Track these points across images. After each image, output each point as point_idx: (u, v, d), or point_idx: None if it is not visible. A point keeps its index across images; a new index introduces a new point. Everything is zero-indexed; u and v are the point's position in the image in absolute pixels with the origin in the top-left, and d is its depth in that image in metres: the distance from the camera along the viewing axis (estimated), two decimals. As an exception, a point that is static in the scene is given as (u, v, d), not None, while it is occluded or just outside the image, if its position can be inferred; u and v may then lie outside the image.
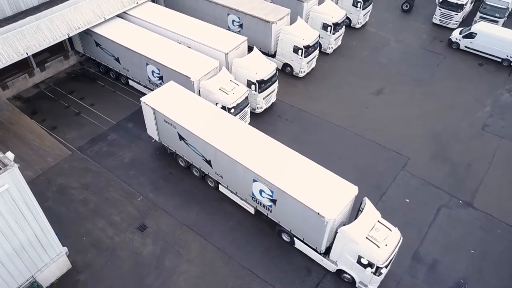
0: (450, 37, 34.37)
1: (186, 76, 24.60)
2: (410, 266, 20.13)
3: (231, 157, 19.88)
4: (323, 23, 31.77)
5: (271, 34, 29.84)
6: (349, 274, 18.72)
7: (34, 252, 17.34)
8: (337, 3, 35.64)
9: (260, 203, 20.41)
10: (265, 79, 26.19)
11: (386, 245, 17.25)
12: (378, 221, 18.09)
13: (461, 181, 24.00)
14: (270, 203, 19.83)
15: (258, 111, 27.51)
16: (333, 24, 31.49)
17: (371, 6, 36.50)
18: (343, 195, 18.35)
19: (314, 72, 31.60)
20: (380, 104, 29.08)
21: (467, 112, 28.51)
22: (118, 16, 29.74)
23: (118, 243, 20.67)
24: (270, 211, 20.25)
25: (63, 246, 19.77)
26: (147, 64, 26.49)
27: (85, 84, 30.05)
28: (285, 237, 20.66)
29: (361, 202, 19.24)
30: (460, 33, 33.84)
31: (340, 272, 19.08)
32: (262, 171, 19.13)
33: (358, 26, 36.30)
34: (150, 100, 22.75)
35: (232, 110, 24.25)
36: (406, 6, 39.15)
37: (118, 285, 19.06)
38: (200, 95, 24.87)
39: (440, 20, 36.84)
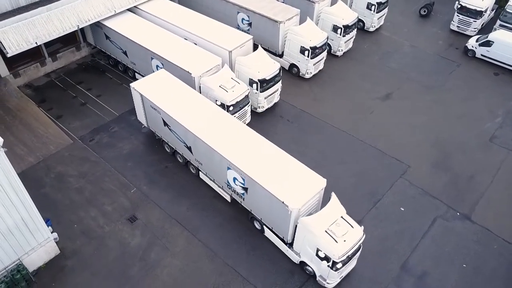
0: (466, 45, 33.32)
1: (188, 71, 24.77)
2: (397, 276, 19.63)
3: (208, 144, 20.48)
4: (333, 25, 31.38)
5: (279, 34, 29.68)
6: (310, 267, 18.82)
7: (21, 236, 17.85)
8: (351, 6, 35.20)
9: (234, 191, 20.86)
10: (267, 78, 26.08)
11: (344, 240, 17.31)
12: (342, 217, 18.10)
13: (461, 193, 23.25)
14: (243, 191, 20.25)
15: (259, 110, 27.43)
16: (343, 26, 31.06)
17: (386, 9, 35.79)
18: (310, 186, 18.59)
19: (321, 74, 31.25)
20: (385, 110, 28.50)
21: (476, 122, 27.58)
22: (129, 10, 30.26)
23: (108, 232, 21.02)
24: (243, 199, 20.69)
25: (54, 232, 20.39)
26: (152, 58, 26.82)
27: (94, 76, 30.69)
28: (257, 225, 21.00)
29: (329, 198, 18.94)
30: (477, 41, 32.78)
31: (303, 264, 19.22)
32: (236, 159, 19.62)
33: (371, 29, 35.67)
34: (139, 86, 23.50)
35: (231, 108, 24.26)
36: (424, 11, 38.20)
37: (102, 274, 19.38)
38: (200, 91, 25.02)
39: (458, 26, 35.78)
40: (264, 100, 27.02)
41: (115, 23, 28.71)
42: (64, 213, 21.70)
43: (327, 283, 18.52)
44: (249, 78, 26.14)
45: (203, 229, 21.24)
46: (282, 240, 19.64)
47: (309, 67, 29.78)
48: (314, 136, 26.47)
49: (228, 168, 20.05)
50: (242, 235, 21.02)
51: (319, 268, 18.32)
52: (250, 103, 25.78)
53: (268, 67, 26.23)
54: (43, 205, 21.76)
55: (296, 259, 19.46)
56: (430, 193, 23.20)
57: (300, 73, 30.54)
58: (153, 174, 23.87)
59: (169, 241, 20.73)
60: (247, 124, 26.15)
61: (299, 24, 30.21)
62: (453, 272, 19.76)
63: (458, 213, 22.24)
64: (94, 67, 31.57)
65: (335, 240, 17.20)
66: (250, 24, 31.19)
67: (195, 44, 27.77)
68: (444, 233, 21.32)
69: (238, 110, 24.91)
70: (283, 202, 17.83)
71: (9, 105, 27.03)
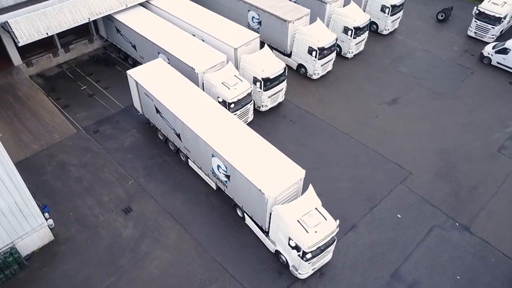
0: (482, 51, 32.38)
1: (191, 67, 24.91)
2: (387, 284, 19.22)
3: (194, 131, 20.93)
4: (344, 26, 31.00)
5: (288, 33, 29.52)
6: (284, 256, 18.92)
7: (15, 219, 18.29)
8: (365, 8, 34.72)
9: (219, 178, 21.23)
10: (271, 77, 25.96)
11: (315, 231, 17.43)
12: (316, 208, 18.21)
13: (462, 203, 22.60)
14: (226, 179, 20.60)
15: (262, 109, 27.34)
16: (354, 28, 30.64)
17: (401, 13, 35.12)
18: (289, 176, 18.79)
19: (329, 75, 30.93)
20: (391, 114, 27.97)
21: (485, 132, 26.76)
22: (141, 5, 30.67)
23: (102, 222, 21.34)
24: (226, 187, 21.07)
25: (50, 218, 20.85)
26: (158, 53, 27.09)
27: (104, 68, 31.22)
28: (239, 213, 21.29)
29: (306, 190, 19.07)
30: (493, 48, 31.81)
31: (278, 253, 19.37)
32: (219, 146, 20.04)
33: (385, 32, 35.08)
34: (135, 73, 24.24)
35: (232, 105, 24.26)
36: (442, 16, 37.32)
37: (93, 262, 19.68)
38: (203, 88, 25.13)
39: (475, 33, 34.80)
40: (268, 99, 26.91)
41: (125, 17, 29.13)
42: (61, 201, 22.15)
43: (299, 273, 18.60)
44: (253, 76, 26.09)
45: (195, 224, 21.32)
46: (261, 228, 19.95)
47: (317, 68, 29.51)
48: (316, 137, 26.21)
49: (213, 156, 20.50)
50: (233, 233, 20.99)
51: (291, 258, 18.47)
52: (252, 102, 25.73)
53: (272, 66, 26.11)
54: (42, 192, 22.53)
55: (272, 247, 19.74)
56: (430, 201, 22.64)
57: (308, 74, 30.30)
58: (152, 167, 24.11)
59: (161, 234, 20.89)
60: (249, 123, 26.27)
61: (309, 25, 29.97)
62: (446, 283, 19.22)
63: (457, 223, 21.63)
64: (105, 60, 32.12)
65: (306, 231, 17.38)
66: (260, 23, 31.15)
67: (203, 40, 27.92)
68: (440, 243, 20.76)
69: (240, 108, 24.89)
70: (260, 190, 18.13)
71: (19, 93, 27.77)
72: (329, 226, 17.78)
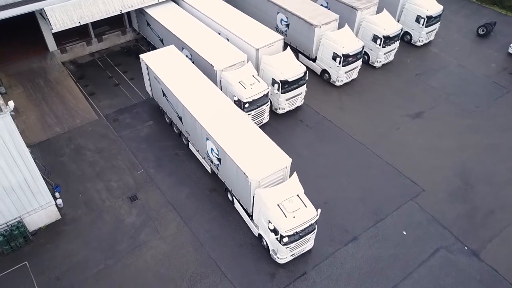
0: (521, 71, 30.67)
1: (211, 64, 25.20)
2: (381, 301, 18.60)
3: (192, 115, 21.83)
4: (374, 34, 30.26)
5: (314, 38, 29.19)
6: (265, 240, 19.37)
7: (23, 195, 19.22)
8: (399, 17, 33.74)
9: (212, 161, 22.05)
10: (290, 80, 25.77)
11: (294, 217, 17.88)
12: (298, 195, 18.58)
13: (475, 227, 21.43)
14: (218, 162, 21.35)
15: (279, 111, 27.20)
16: (383, 37, 29.84)
17: (437, 24, 33.79)
18: (275, 163, 19.41)
19: (353, 83, 30.30)
20: (413, 128, 26.98)
21: (511, 155, 25.26)
22: (173, 1, 31.40)
23: (107, 207, 21.99)
24: (219, 170, 21.84)
25: (59, 198, 21.80)
26: (182, 48, 27.61)
27: (132, 60, 32.16)
28: (230, 197, 21.97)
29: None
30: (533, 68, 30.02)
31: (260, 237, 19.86)
32: (213, 130, 20.85)
33: (419, 43, 33.89)
34: (147, 58, 25.53)
35: (247, 105, 24.32)
36: (482, 31, 35.60)
37: (93, 244, 20.32)
38: (221, 86, 25.36)
39: (517, 50, 33.01)
40: (285, 102, 26.73)
41: (155, 11, 29.93)
42: (73, 183, 23.03)
43: (278, 257, 19.04)
44: (272, 78, 26.02)
45: (196, 218, 21.52)
46: (247, 212, 20.47)
47: (340, 74, 28.99)
48: (330, 144, 25.75)
49: (207, 139, 21.33)
50: (232, 232, 20.99)
51: (270, 241, 18.89)
52: (269, 103, 25.63)
53: (292, 69, 25.92)
54: (57, 172, 23.55)
55: (255, 231, 20.27)
56: (440, 221, 21.64)
57: (331, 80, 29.84)
58: (163, 158, 24.59)
59: (161, 224, 21.25)
60: (264, 124, 26.24)
61: (337, 30, 29.51)
62: (444, 309, 18.33)
63: (466, 247, 20.53)
64: (135, 52, 33.05)
65: (285, 215, 17.87)
66: (288, 26, 31.03)
67: (227, 39, 28.18)
68: (445, 266, 19.79)
69: (255, 108, 24.88)
70: (245, 173, 18.81)
71: (50, 77, 29.19)
72: (308, 213, 18.19)
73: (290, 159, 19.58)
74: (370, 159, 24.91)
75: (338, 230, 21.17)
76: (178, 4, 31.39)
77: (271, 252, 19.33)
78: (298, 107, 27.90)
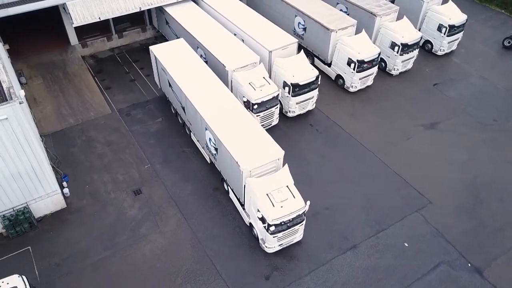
0: (546, 85, 29.46)
1: (223, 64, 25.37)
2: (375, 312, 18.23)
3: (193, 105, 22.49)
4: (392, 41, 29.75)
5: (329, 42, 28.94)
6: (255, 229, 19.83)
7: (30, 182, 19.85)
8: (420, 25, 33.05)
9: (210, 151, 22.69)
10: (301, 84, 25.64)
11: (281, 206, 18.33)
12: (287, 187, 18.96)
13: (480, 244, 20.71)
14: (215, 152, 21.97)
15: (290, 114, 27.08)
16: (401, 44, 29.28)
17: (460, 34, 32.88)
18: (267, 154, 19.87)
19: (368, 89, 29.86)
20: (426, 139, 26.33)
21: (527, 172, 24.35)
22: (193, 0, 31.81)
23: (112, 199, 22.43)
24: (216, 160, 22.46)
25: (66, 188, 22.42)
26: (197, 47, 27.91)
27: (150, 57, 32.60)
28: (225, 186, 22.47)
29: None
30: (559, 83, 28.80)
31: (251, 226, 20.35)
32: (211, 120, 21.45)
33: (440, 53, 33.08)
34: (156, 49, 26.39)
35: (255, 106, 24.34)
36: (508, 43, 34.40)
37: (94, 234, 20.77)
38: (231, 86, 25.50)
39: (543, 64, 31.74)
40: (296, 106, 26.60)
41: (174, 9, 30.41)
42: (81, 173, 23.61)
43: (266, 246, 19.53)
44: (283, 81, 25.96)
45: (196, 216, 21.68)
46: (239, 201, 20.95)
47: (354, 80, 28.64)
48: (338, 150, 25.45)
49: (206, 129, 21.92)
50: (230, 231, 21.04)
51: (259, 230, 19.35)
52: (278, 106, 25.56)
53: (304, 72, 25.78)
54: (67, 162, 24.22)
55: (247, 220, 20.76)
56: (445, 235, 21.03)
57: (345, 86, 29.51)
58: (170, 155, 24.89)
59: (162, 219, 21.51)
60: (273, 126, 26.21)
61: (354, 36, 29.17)
62: (440, 325, 17.79)
63: (469, 264, 19.87)
64: (154, 49, 33.70)
65: (273, 204, 18.33)
66: (305, 29, 30.91)
67: (242, 40, 28.31)
68: (445, 281, 19.20)
69: (264, 110, 24.86)
70: (237, 162, 19.28)
71: (69, 70, 30.09)
72: (296, 204, 18.56)
73: (283, 152, 19.88)
74: (378, 167, 24.47)
75: (338, 237, 20.89)
76: (197, 4, 31.78)
77: (260, 241, 19.81)
78: (309, 111, 27.70)
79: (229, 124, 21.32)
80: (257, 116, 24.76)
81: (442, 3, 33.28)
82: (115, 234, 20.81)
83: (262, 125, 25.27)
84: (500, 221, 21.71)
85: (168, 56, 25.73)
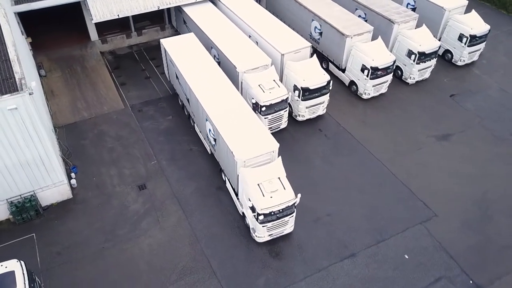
0: None
1: (234, 65, 25.52)
2: (368, 323, 17.90)
3: (196, 95, 23.18)
4: (409, 49, 29.23)
5: (344, 48, 28.69)
6: (247, 218, 20.31)
7: (38, 171, 20.47)
8: (441, 34, 32.36)
9: (210, 142, 23.41)
10: (311, 88, 25.50)
11: (271, 197, 18.79)
12: (279, 178, 19.36)
13: (485, 261, 20.05)
14: (214, 142, 22.64)
15: (299, 118, 26.97)
16: (418, 53, 28.74)
17: (482, 45, 31.99)
18: (262, 146, 20.36)
19: (381, 97, 29.41)
20: (437, 150, 25.73)
21: (542, 190, 23.43)
22: (211, 1, 32.16)
23: (117, 192, 22.87)
24: (215, 150, 23.09)
25: (74, 179, 23.01)
26: (211, 48, 28.18)
27: (167, 55, 33.30)
28: (223, 176, 23.02)
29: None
30: None
31: (244, 216, 20.92)
32: (211, 111, 22.07)
33: (460, 63, 32.27)
34: (166, 42, 27.25)
35: (263, 109, 24.37)
36: (534, 56, 33.31)
37: (96, 225, 21.22)
38: (242, 87, 25.61)
39: None
40: (305, 110, 26.46)
41: (192, 9, 30.81)
42: (90, 166, 24.17)
43: (256, 235, 20.03)
44: (294, 84, 25.90)
45: (197, 214, 21.84)
46: (235, 192, 21.41)
47: (368, 87, 28.28)
48: (346, 157, 25.17)
49: (206, 120, 22.60)
50: (229, 232, 21.11)
51: (250, 219, 19.86)
52: (287, 109, 25.49)
53: (315, 77, 25.64)
54: (77, 154, 24.86)
55: (240, 210, 21.33)
56: (448, 250, 20.47)
57: (358, 92, 29.18)
58: (177, 152, 25.18)
59: (163, 215, 21.78)
60: (282, 130, 26.17)
61: (369, 42, 28.82)
62: None
63: (471, 281, 19.27)
64: (171, 48, 34.21)
65: (263, 194, 18.80)
66: (321, 34, 30.76)
67: (256, 43, 28.39)
68: (444, 297, 18.72)
69: (272, 113, 24.85)
70: (232, 152, 19.84)
71: (87, 65, 30.90)
72: (286, 196, 18.97)
73: (278, 144, 20.30)
74: (385, 176, 24.06)
75: (337, 244, 20.64)
76: (215, 4, 32.09)
77: (251, 230, 20.32)
78: (319, 116, 27.51)
79: (229, 116, 21.91)
80: (265, 118, 24.80)
81: (466, 13, 32.50)
82: (117, 227, 21.19)
83: (270, 128, 25.42)
84: (508, 239, 20.98)
85: (177, 49, 26.56)
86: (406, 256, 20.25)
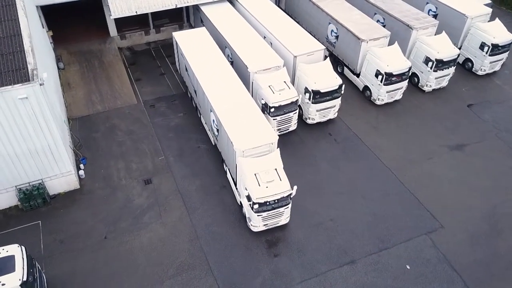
0: None
1: (246, 65, 25.55)
2: (363, 332, 17.54)
3: (202, 87, 23.77)
4: (426, 56, 28.62)
5: (359, 52, 28.32)
6: (244, 207, 20.66)
7: (46, 160, 20.96)
8: (462, 42, 31.54)
9: (213, 133, 24.02)
10: (322, 91, 25.27)
11: (266, 187, 19.15)
12: (276, 169, 19.67)
13: (490, 277, 19.38)
14: (217, 133, 23.21)
15: (309, 121, 26.75)
16: (436, 60, 28.10)
17: (505, 54, 30.99)
18: (261, 137, 20.72)
19: (395, 104, 28.88)
20: (449, 160, 25.06)
21: (557, 207, 22.48)
22: (229, 1, 32.32)
23: (122, 185, 23.21)
24: (217, 141, 23.69)
25: (82, 170, 23.50)
26: (225, 47, 28.31)
27: (183, 53, 33.64)
28: (224, 167, 23.47)
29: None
30: None
31: (241, 205, 21.26)
32: (215, 102, 22.62)
33: (480, 72, 31.37)
34: (178, 36, 28.01)
35: (272, 110, 24.30)
36: (560, 68, 32.05)
37: (99, 216, 21.58)
38: (252, 88, 25.61)
39: None
40: (316, 113, 26.23)
41: (209, 9, 31.03)
42: (99, 158, 24.63)
43: (251, 225, 20.44)
44: (305, 87, 25.73)
45: (199, 212, 21.93)
46: (234, 181, 21.91)
47: (381, 93, 27.83)
48: (353, 163, 24.81)
49: (211, 111, 23.10)
50: (230, 231, 21.08)
51: (246, 208, 20.25)
52: (297, 111, 25.32)
53: (327, 80, 25.40)
54: (88, 146, 25.37)
55: (238, 199, 21.77)
56: (452, 263, 19.88)
57: (372, 98, 28.74)
58: (185, 149, 25.38)
59: (166, 210, 21.96)
60: (291, 132, 26.04)
61: (385, 47, 28.34)
62: None
63: (473, 297, 18.68)
64: (188, 46, 34.55)
65: (259, 184, 19.16)
66: (337, 37, 30.47)
67: (271, 44, 28.35)
68: (443, 311, 18.19)
69: (281, 114, 24.75)
70: (232, 142, 20.34)
71: (104, 59, 31.53)
72: (281, 186, 19.29)
73: (277, 137, 20.81)
74: (392, 184, 23.59)
75: (337, 250, 20.35)
76: (233, 4, 32.25)
77: (247, 219, 20.74)
78: (330, 120, 27.22)
79: (232, 108, 22.27)
80: (273, 119, 24.72)
81: (490, 21, 31.59)
82: (119, 220, 21.49)
83: (279, 130, 25.32)
84: (516, 256, 20.23)
85: (188, 42, 27.24)
86: (408, 267, 19.77)
